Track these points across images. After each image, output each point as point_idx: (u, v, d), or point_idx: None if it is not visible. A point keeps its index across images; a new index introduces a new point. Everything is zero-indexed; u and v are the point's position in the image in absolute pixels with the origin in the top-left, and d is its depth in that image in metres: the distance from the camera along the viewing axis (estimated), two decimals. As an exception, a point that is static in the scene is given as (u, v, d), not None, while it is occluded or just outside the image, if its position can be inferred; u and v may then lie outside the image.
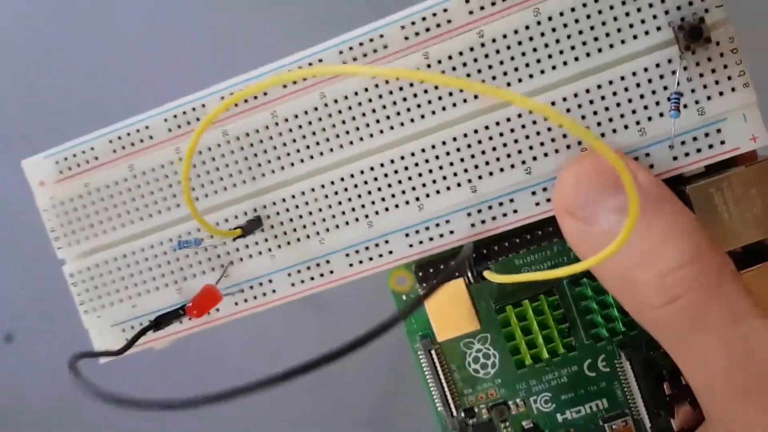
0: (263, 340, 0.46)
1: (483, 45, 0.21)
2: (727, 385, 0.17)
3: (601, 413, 0.23)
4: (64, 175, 0.24)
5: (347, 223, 0.22)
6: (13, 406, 0.51)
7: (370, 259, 0.23)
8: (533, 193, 0.21)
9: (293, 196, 0.23)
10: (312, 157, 0.22)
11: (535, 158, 0.21)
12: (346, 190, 0.22)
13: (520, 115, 0.21)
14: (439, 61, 0.21)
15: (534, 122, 0.21)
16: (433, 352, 0.22)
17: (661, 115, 0.20)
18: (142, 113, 0.23)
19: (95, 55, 0.48)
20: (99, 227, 0.24)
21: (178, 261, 0.23)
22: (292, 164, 0.22)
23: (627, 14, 0.20)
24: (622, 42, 0.20)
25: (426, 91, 0.21)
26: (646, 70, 0.20)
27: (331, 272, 0.23)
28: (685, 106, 0.20)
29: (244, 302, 0.23)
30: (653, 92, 0.20)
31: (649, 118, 0.20)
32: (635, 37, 0.20)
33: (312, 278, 0.23)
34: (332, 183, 0.22)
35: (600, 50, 0.20)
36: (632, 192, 0.15)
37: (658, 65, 0.20)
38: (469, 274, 0.21)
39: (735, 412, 0.17)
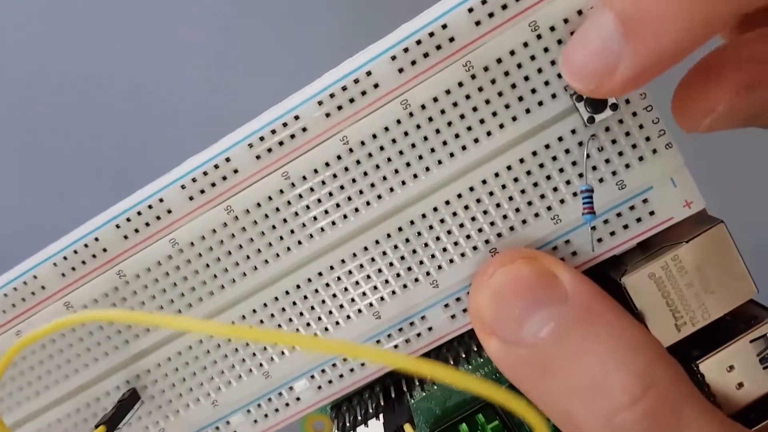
0: None
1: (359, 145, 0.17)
2: None
3: None
4: None
5: (240, 376, 0.19)
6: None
7: (276, 411, 0.19)
8: (446, 305, 0.18)
9: (169, 359, 0.19)
10: (180, 310, 0.18)
11: (440, 267, 0.18)
12: (230, 341, 0.19)
13: (412, 222, 0.17)
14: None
15: (431, 227, 0.17)
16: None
17: (575, 194, 0.17)
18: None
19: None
20: (-52, 435, 0.20)
21: (53, 454, 0.20)
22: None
23: (513, 86, 0.16)
24: (514, 119, 0.17)
25: (304, 210, 0.18)
26: (547, 147, 0.17)
27: (236, 434, 0.19)
28: (601, 180, 0.17)
29: (138, 489, 0.20)
30: (561, 170, 0.17)
31: (562, 201, 0.17)
32: (527, 111, 0.17)
33: (214, 447, 0.19)
34: (211, 336, 0.18)
35: (489, 134, 0.17)
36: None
37: (560, 138, 0.17)
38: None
39: None
